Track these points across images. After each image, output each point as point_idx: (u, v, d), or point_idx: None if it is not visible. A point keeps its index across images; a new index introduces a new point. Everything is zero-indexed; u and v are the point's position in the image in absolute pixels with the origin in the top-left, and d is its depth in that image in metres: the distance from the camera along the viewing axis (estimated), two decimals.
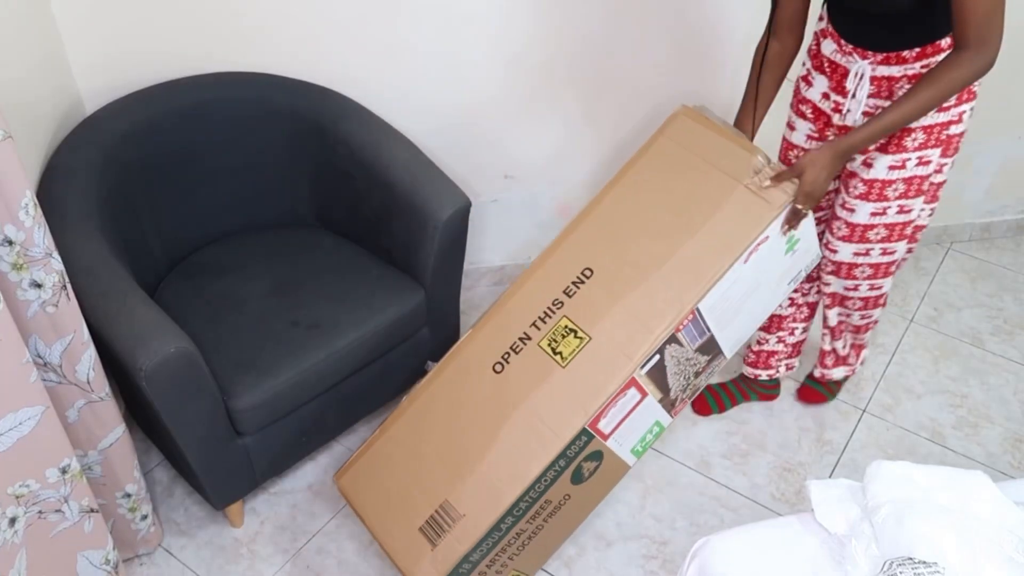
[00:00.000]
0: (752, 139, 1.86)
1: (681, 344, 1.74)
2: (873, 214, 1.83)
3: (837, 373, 2.31)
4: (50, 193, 1.83)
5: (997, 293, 2.82)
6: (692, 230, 1.75)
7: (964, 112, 1.71)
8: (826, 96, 1.82)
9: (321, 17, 2.14)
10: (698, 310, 1.72)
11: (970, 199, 2.91)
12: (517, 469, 1.68)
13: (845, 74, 1.75)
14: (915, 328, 2.66)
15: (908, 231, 1.86)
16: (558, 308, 1.79)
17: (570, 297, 1.79)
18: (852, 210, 1.85)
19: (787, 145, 1.97)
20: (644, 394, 1.74)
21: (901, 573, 1.31)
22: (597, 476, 1.79)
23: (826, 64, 1.79)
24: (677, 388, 1.81)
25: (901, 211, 1.81)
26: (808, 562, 1.45)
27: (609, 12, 2.29)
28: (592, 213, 1.87)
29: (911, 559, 1.33)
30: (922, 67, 1.65)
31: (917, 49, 1.64)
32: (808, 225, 1.79)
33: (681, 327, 1.72)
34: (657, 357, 1.72)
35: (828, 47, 1.78)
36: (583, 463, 1.74)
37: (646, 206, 1.83)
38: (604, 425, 1.72)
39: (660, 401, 1.78)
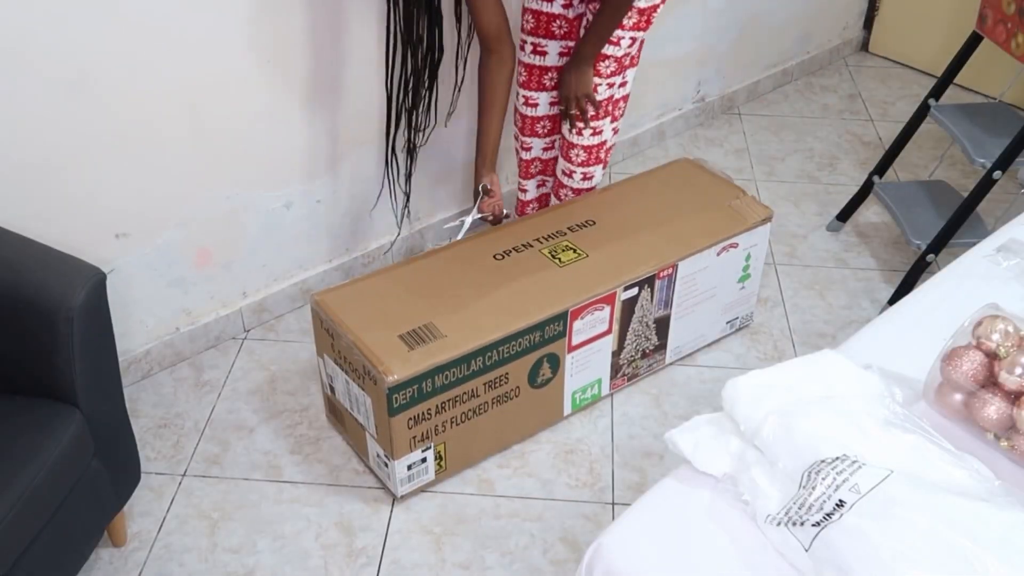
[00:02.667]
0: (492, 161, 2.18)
1: (653, 294, 2.05)
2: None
3: None
4: None
5: None
6: (682, 216, 2.16)
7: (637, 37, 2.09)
8: (568, 5, 2.09)
9: None
10: (677, 267, 2.06)
11: None
12: (502, 320, 1.87)
13: None
14: None
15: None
16: (560, 236, 2.10)
17: (572, 232, 2.12)
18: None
19: (541, 69, 2.16)
20: (609, 329, 2.02)
21: (825, 477, 1.19)
22: (542, 395, 2.00)
23: None
24: (627, 354, 2.11)
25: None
26: (710, 518, 1.30)
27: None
28: (590, 197, 2.24)
29: (823, 461, 1.22)
30: None
31: None
32: (753, 286, 2.28)
33: (661, 275, 2.04)
34: (636, 290, 2.02)
35: None
36: (544, 360, 1.95)
37: (643, 197, 2.24)
38: (577, 328, 1.96)
39: (612, 355, 2.08)
